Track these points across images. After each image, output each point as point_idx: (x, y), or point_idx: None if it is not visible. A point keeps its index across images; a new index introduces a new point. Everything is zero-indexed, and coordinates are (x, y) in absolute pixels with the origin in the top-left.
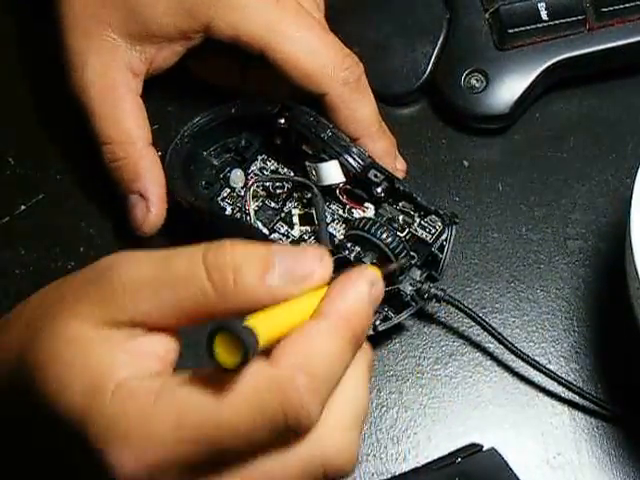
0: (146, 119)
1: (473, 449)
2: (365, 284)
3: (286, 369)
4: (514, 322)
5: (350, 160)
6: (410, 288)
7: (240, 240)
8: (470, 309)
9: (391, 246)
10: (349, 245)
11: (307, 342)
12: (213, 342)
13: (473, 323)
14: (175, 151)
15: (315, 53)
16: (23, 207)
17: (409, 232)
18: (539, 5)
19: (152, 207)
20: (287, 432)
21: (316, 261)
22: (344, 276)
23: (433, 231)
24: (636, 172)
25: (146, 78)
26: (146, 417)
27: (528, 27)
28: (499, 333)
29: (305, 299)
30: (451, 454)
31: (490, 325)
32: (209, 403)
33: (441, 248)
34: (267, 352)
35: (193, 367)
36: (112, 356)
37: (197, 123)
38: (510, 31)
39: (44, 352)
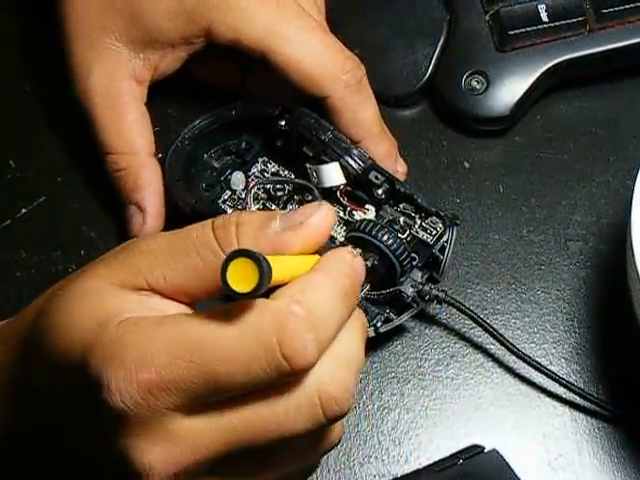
0: (150, 128)
1: (475, 450)
2: (347, 253)
3: (284, 303)
4: (515, 323)
5: (351, 162)
6: (411, 290)
7: None
8: (471, 310)
9: (392, 248)
10: (350, 247)
11: (306, 285)
12: (227, 269)
13: (474, 325)
14: (175, 153)
15: (317, 56)
16: (24, 210)
17: (410, 234)
18: (539, 7)
19: (148, 219)
20: (283, 366)
21: (314, 208)
22: (330, 251)
23: (434, 232)
24: (636, 173)
25: (150, 84)
26: (145, 341)
27: (528, 29)
28: (500, 334)
29: (301, 259)
30: (453, 456)
31: (491, 326)
32: (208, 329)
33: (442, 250)
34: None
35: None
36: (123, 303)
37: (197, 125)
38: (510, 33)
39: (58, 302)
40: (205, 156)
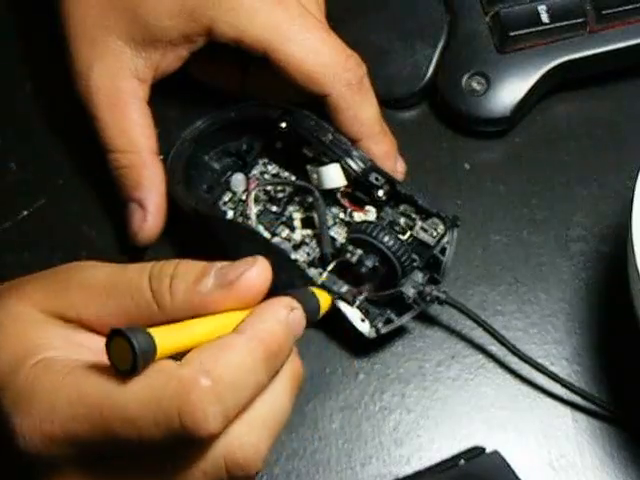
0: (152, 127)
1: (476, 452)
2: (283, 308)
3: (191, 370)
4: (516, 324)
5: (351, 163)
6: (412, 291)
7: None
8: (472, 311)
9: (393, 249)
10: (351, 248)
11: (219, 351)
12: (111, 345)
13: (475, 325)
14: (176, 155)
15: (318, 54)
16: (25, 212)
17: (411, 235)
18: (540, 8)
19: (149, 217)
20: (182, 433)
21: (248, 264)
22: (265, 302)
23: (435, 234)
24: (637, 174)
25: (152, 83)
26: (52, 391)
27: (529, 30)
28: (501, 335)
29: (229, 316)
30: (454, 457)
31: (492, 327)
32: (111, 388)
33: (443, 251)
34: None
35: None
36: (47, 337)
37: (198, 127)
38: (511, 34)
39: None
40: (206, 158)
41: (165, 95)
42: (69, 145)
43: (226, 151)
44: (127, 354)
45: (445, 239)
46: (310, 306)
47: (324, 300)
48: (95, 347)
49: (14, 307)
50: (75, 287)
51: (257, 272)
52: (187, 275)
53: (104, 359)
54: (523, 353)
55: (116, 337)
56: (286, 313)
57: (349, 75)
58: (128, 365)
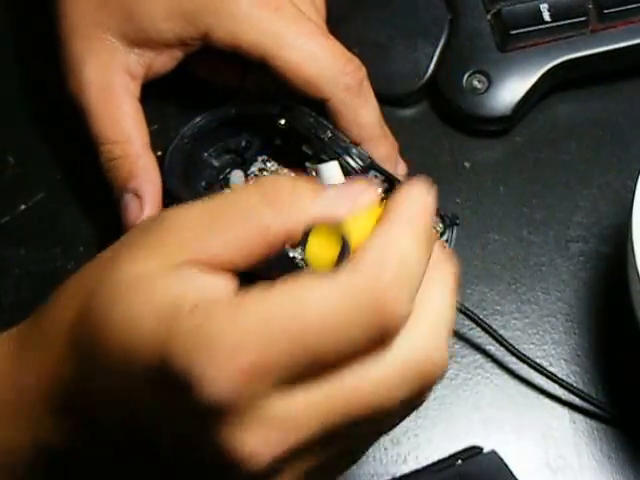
0: (144, 122)
1: (473, 451)
2: (420, 190)
3: (370, 266)
4: (515, 324)
5: (350, 161)
6: None
7: None
8: (470, 311)
9: None
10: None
11: (385, 240)
12: (306, 242)
13: (474, 325)
14: (175, 152)
15: (316, 59)
16: (23, 207)
17: None
18: (541, 6)
19: (146, 207)
20: (379, 327)
21: (364, 183)
22: (400, 187)
23: (434, 232)
24: (638, 175)
25: (145, 82)
26: (229, 327)
27: (530, 28)
28: (500, 335)
29: (364, 217)
30: (451, 456)
31: (490, 327)
32: (295, 300)
33: None
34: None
35: None
36: (175, 285)
37: (197, 124)
38: (512, 32)
39: (104, 304)
40: (205, 154)
41: (164, 91)
42: (67, 140)
43: (225, 148)
44: (331, 250)
45: (444, 237)
46: None
47: None
48: (221, 285)
49: (124, 277)
50: (173, 229)
51: (375, 188)
52: (305, 188)
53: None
54: (521, 353)
55: (318, 232)
56: (426, 191)
57: (348, 79)
58: (332, 261)
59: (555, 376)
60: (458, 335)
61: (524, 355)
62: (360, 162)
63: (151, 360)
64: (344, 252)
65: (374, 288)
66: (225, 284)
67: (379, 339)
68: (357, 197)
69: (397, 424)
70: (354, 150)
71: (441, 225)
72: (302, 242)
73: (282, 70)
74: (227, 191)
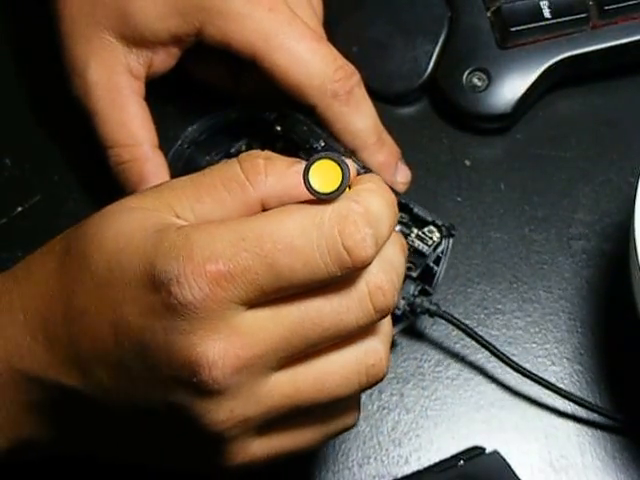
0: (151, 121)
1: (476, 452)
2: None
3: (343, 200)
4: (517, 323)
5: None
6: (402, 302)
7: None
8: (463, 323)
9: None
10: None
11: (361, 190)
12: (309, 171)
13: (475, 324)
14: (175, 157)
15: (303, 64)
16: (20, 209)
17: (406, 243)
18: (542, 3)
19: None
20: (343, 258)
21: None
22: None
23: (430, 242)
24: None
25: (146, 81)
26: (209, 236)
27: (531, 25)
28: (493, 345)
29: None
30: (453, 457)
31: (484, 339)
32: (271, 223)
33: (437, 261)
34: None
35: None
36: (169, 219)
37: (198, 128)
38: (512, 29)
39: (102, 220)
40: (205, 159)
41: (163, 91)
42: (64, 141)
43: (226, 152)
44: (332, 177)
45: (440, 248)
46: None
47: None
48: None
49: (123, 204)
50: (166, 190)
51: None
52: (280, 159)
53: None
54: (517, 364)
55: (323, 160)
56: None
57: (336, 86)
58: (334, 186)
59: (551, 384)
60: (459, 335)
61: (519, 365)
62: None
63: (137, 267)
64: (344, 182)
65: (340, 225)
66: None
67: (340, 273)
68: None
69: (356, 394)
70: (346, 160)
71: (438, 235)
72: (304, 174)
73: (270, 72)
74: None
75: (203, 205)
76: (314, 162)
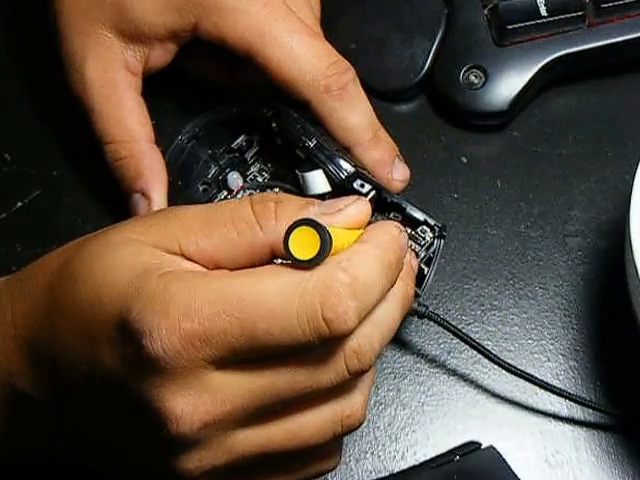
0: (148, 117)
1: (472, 447)
2: (394, 227)
3: (330, 267)
4: (513, 319)
5: (334, 169)
6: None
7: None
8: (453, 326)
9: None
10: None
11: (352, 254)
12: (290, 236)
13: (472, 320)
14: (174, 152)
15: (296, 60)
16: (20, 204)
17: None
18: (538, 1)
19: (154, 206)
20: (322, 329)
21: (351, 199)
22: (373, 224)
23: (423, 242)
24: (635, 169)
25: (144, 76)
26: (189, 292)
27: (527, 23)
28: (484, 347)
29: (348, 233)
30: (449, 452)
31: (475, 341)
32: (252, 285)
33: (428, 262)
34: None
35: None
36: (159, 258)
37: (196, 124)
38: (509, 27)
39: (92, 249)
40: (203, 156)
41: (161, 87)
42: (64, 136)
43: (224, 148)
44: (313, 243)
45: (432, 249)
46: None
47: None
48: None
49: (118, 235)
50: (173, 219)
51: (363, 202)
52: (292, 202)
53: None
54: (513, 365)
55: (303, 226)
56: (398, 231)
57: (329, 81)
58: (315, 251)
59: (547, 383)
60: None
61: (513, 366)
62: (344, 172)
63: (115, 308)
64: (324, 247)
65: (322, 296)
66: (201, 268)
67: (318, 343)
68: (341, 211)
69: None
70: (339, 159)
71: (430, 235)
72: (284, 240)
73: (263, 67)
74: (224, 193)
75: (209, 241)
76: (294, 228)
